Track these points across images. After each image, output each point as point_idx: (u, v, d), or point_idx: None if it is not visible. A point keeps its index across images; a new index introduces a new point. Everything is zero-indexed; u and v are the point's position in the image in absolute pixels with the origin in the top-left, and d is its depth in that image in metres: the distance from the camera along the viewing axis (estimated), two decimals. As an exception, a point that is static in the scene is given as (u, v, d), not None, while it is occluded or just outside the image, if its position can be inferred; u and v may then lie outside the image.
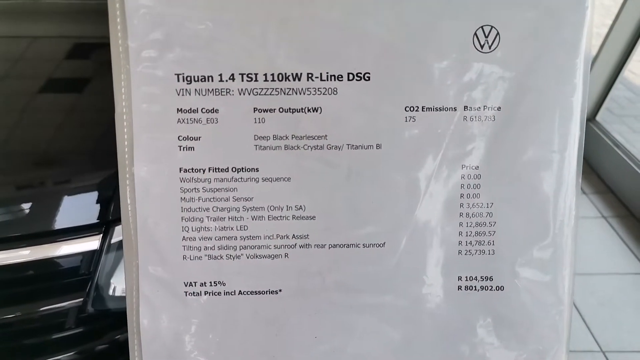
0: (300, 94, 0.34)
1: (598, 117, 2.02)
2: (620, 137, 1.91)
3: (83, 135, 0.76)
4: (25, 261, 0.67)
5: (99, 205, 0.69)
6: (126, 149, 0.34)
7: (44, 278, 0.69)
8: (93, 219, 0.69)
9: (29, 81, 0.85)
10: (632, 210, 1.70)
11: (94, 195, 0.70)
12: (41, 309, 0.69)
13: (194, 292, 0.36)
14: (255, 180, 0.35)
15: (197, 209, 0.35)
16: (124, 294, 0.73)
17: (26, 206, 0.68)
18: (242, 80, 0.34)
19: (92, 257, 0.69)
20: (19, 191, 0.70)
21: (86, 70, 0.91)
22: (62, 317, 0.70)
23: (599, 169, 1.92)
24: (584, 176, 1.92)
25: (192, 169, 0.34)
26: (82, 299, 0.69)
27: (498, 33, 0.33)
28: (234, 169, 0.35)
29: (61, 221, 0.68)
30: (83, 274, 0.69)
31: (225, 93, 0.34)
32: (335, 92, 0.34)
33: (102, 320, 0.72)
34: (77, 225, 0.68)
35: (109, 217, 0.69)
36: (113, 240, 0.70)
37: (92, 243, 0.69)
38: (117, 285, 0.73)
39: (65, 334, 0.70)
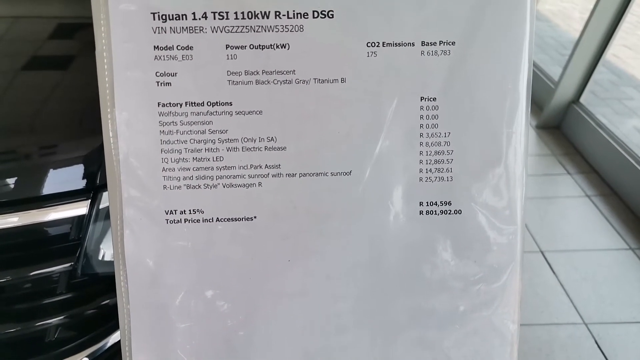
0: (269, 31, 0.36)
1: (582, 99, 2.06)
2: (604, 118, 1.95)
3: (71, 105, 0.78)
4: (14, 226, 0.68)
5: (87, 171, 0.71)
6: (107, 86, 0.37)
7: (34, 243, 0.71)
8: (81, 185, 0.71)
9: (17, 58, 0.87)
10: (614, 189, 1.74)
11: (82, 160, 0.72)
12: (31, 273, 0.70)
13: (174, 220, 0.38)
14: (229, 113, 0.37)
15: (176, 142, 0.37)
16: (113, 259, 0.75)
17: (15, 172, 0.70)
18: (214, 19, 0.36)
19: (81, 223, 0.71)
20: (8, 157, 0.72)
21: (70, 49, 0.93)
22: (52, 282, 0.72)
23: (583, 149, 1.96)
24: (569, 157, 1.96)
25: (170, 103, 0.37)
26: (71, 264, 0.71)
27: (451, -29, 0.36)
28: (209, 103, 0.37)
29: (49, 187, 0.69)
30: (72, 240, 0.71)
31: (198, 31, 0.36)
32: (301, 29, 0.36)
33: (92, 285, 0.74)
34: (65, 190, 0.70)
35: (97, 182, 0.71)
36: (102, 206, 0.72)
37: (80, 209, 0.71)
38: (107, 251, 0.74)
39: (55, 299, 0.72)
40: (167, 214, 0.38)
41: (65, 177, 0.71)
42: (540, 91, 2.17)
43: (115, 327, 0.76)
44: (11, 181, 0.70)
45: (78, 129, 0.75)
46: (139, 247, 0.38)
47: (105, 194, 0.72)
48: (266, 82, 0.37)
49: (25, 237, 0.70)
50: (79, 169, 0.72)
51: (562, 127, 2.11)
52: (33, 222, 0.69)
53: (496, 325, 0.40)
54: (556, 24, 3.28)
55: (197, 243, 0.38)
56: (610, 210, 1.67)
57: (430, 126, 0.38)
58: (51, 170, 0.71)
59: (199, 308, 0.39)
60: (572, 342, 1.20)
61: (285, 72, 0.37)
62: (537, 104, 2.17)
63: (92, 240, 0.73)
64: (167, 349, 0.39)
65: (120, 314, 0.40)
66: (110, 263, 0.75)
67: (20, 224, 0.69)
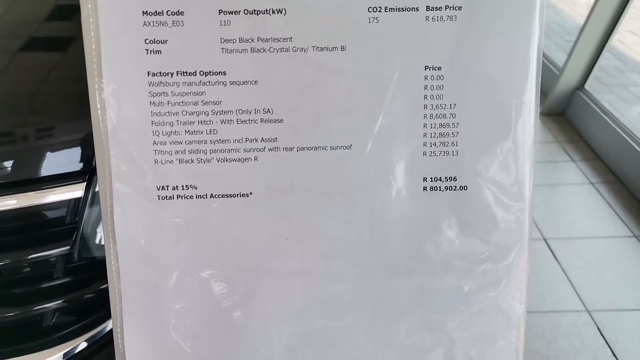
0: None
1: (586, 86, 2.03)
2: (609, 105, 1.93)
3: (68, 87, 0.77)
4: (10, 209, 0.67)
5: (83, 153, 0.70)
6: (94, 54, 0.35)
7: (30, 226, 0.70)
8: (77, 167, 0.69)
9: (14, 40, 0.85)
10: (619, 176, 1.72)
11: (78, 143, 0.70)
12: (29, 257, 0.69)
13: (166, 196, 0.36)
14: (223, 84, 0.35)
15: (167, 114, 0.35)
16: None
17: (10, 154, 0.68)
18: None
19: (77, 206, 0.70)
20: (4, 139, 0.70)
21: (68, 31, 0.91)
22: (50, 266, 0.71)
23: (587, 136, 1.94)
24: (573, 144, 1.93)
25: (160, 72, 0.35)
26: (68, 248, 0.70)
27: None
28: (201, 73, 0.35)
29: (44, 169, 0.68)
30: (69, 223, 0.70)
31: None
32: None
33: (90, 269, 0.73)
34: (60, 172, 0.68)
35: (93, 164, 0.69)
36: (97, 189, 0.70)
37: (76, 192, 0.69)
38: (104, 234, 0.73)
39: (53, 283, 0.71)
40: (158, 189, 0.36)
41: (61, 159, 0.70)
42: (544, 77, 2.14)
43: (113, 312, 0.75)
44: (7, 163, 0.68)
45: (74, 110, 0.74)
46: (130, 225, 0.36)
47: (100, 177, 0.70)
48: (262, 50, 0.35)
49: (21, 220, 0.69)
50: (75, 151, 0.70)
51: (567, 114, 2.09)
52: (29, 204, 0.68)
53: (502, 306, 0.38)
54: (561, 10, 3.23)
55: (191, 220, 0.37)
56: (614, 198, 1.66)
57: (434, 97, 0.36)
58: (47, 152, 0.69)
59: (194, 288, 0.37)
60: (574, 330, 1.19)
61: (281, 40, 0.35)
62: (541, 90, 2.14)
63: (89, 223, 0.72)
64: (161, 331, 0.38)
65: (111, 294, 0.38)
66: (107, 247, 0.73)
67: (16, 206, 0.67)
